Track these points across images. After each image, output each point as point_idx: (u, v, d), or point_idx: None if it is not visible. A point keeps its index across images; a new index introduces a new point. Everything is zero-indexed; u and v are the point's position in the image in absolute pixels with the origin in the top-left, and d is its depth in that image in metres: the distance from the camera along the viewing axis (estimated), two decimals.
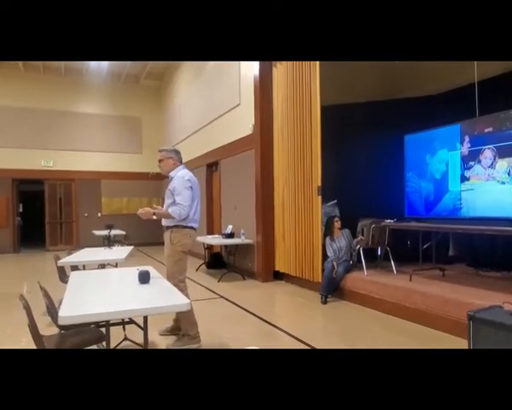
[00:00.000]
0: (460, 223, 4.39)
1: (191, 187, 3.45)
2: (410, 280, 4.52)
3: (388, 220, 5.00)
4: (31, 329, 2.23)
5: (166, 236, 3.51)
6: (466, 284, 4.37)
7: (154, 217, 3.38)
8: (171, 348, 3.41)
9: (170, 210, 3.41)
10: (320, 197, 5.30)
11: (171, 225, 3.47)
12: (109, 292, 2.57)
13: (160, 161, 3.56)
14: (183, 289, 3.40)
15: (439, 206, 4.86)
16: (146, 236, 11.72)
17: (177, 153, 3.59)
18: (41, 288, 2.61)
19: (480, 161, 4.38)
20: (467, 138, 4.54)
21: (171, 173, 3.54)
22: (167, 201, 3.50)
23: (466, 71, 4.92)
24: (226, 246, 7.14)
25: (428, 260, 4.99)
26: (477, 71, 4.68)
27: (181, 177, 3.46)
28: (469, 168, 4.49)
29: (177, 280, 3.42)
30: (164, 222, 3.53)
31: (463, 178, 4.56)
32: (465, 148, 4.56)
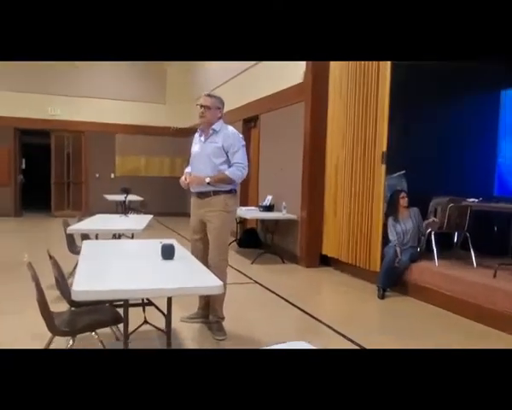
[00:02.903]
0: None
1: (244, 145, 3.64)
2: (495, 276, 4.42)
3: (471, 199, 4.89)
4: (40, 303, 2.36)
5: (217, 201, 3.56)
6: None
7: (208, 179, 3.50)
8: (217, 339, 3.58)
9: (228, 172, 3.53)
10: (384, 166, 5.24)
11: (225, 189, 3.58)
12: (128, 267, 2.68)
13: (206, 107, 3.57)
14: (226, 269, 3.65)
15: None
16: (166, 204, 11.91)
17: (224, 104, 3.73)
18: (50, 257, 2.73)
19: None
20: None
21: (215, 127, 3.61)
22: (216, 160, 3.55)
23: None
24: (263, 221, 7.18)
25: None
26: None
27: (235, 132, 3.63)
28: None
29: (226, 256, 3.66)
30: (209, 186, 3.55)
31: None
32: None
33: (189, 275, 2.57)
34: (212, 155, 3.56)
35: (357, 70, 5.68)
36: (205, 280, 2.43)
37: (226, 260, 3.71)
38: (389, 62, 5.10)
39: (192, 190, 3.68)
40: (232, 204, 3.66)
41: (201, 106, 3.58)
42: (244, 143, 3.68)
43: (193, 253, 3.55)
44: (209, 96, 3.63)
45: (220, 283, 2.35)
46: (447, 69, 5.69)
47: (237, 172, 3.55)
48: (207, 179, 3.50)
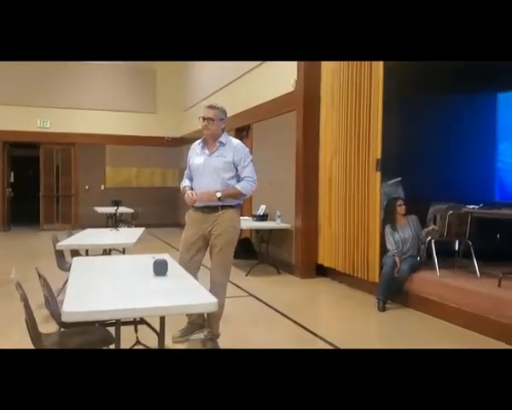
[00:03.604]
0: None
1: None
2: (500, 286, 4.34)
3: (471, 206, 4.84)
4: (28, 324, 2.30)
5: (225, 217, 3.45)
6: None
7: (219, 194, 3.36)
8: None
9: (239, 186, 3.44)
10: (379, 173, 5.20)
11: (233, 204, 3.49)
12: (119, 285, 2.66)
13: (209, 119, 3.42)
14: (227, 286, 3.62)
15: None
16: (157, 215, 11.81)
17: (226, 114, 3.60)
18: (40, 276, 2.68)
19: None
20: None
21: (222, 139, 3.49)
22: (225, 174, 3.44)
23: None
24: (257, 231, 7.12)
25: None
26: None
27: (243, 146, 3.58)
28: None
29: (229, 273, 3.58)
30: (218, 201, 3.42)
31: None
32: None
33: (182, 292, 2.53)
34: (221, 170, 3.44)
35: (349, 77, 5.65)
36: (199, 297, 2.38)
37: (228, 277, 3.61)
38: (381, 68, 5.07)
39: (197, 204, 3.49)
40: (238, 219, 3.58)
41: (204, 118, 3.43)
42: (251, 156, 3.60)
43: (189, 269, 3.32)
44: (211, 107, 3.47)
45: (215, 300, 2.28)
46: (442, 73, 5.68)
47: (248, 186, 3.48)
48: (219, 194, 3.37)
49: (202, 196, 3.38)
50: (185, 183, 3.66)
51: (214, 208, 3.42)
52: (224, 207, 3.43)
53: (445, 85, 5.69)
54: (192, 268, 3.45)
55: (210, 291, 3.36)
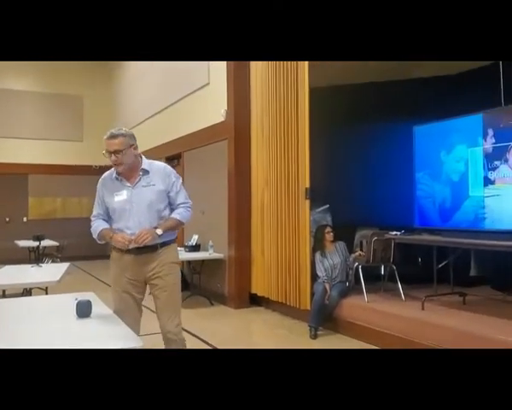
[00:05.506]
0: (483, 237, 4.36)
1: None
2: (423, 309, 4.49)
3: (394, 232, 4.96)
4: None
5: (167, 254, 2.96)
6: (492, 313, 4.34)
7: (160, 232, 2.83)
8: None
9: (178, 216, 2.95)
10: (308, 202, 5.28)
11: (172, 237, 3.02)
12: (38, 331, 2.49)
13: (116, 152, 2.84)
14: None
15: (457, 215, 4.88)
16: (85, 247, 11.22)
17: (135, 137, 3.03)
18: None
19: (507, 161, 4.39)
20: (490, 132, 4.56)
21: (145, 166, 2.96)
22: (160, 205, 2.94)
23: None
24: (190, 262, 7.01)
25: (445, 282, 4.98)
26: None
27: (169, 168, 3.05)
28: (494, 169, 4.49)
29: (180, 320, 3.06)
30: (160, 237, 2.89)
31: (487, 181, 4.56)
32: (489, 143, 4.57)
33: (107, 335, 2.39)
34: (155, 201, 2.90)
35: (277, 107, 5.76)
36: (125, 341, 2.24)
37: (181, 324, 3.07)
38: (307, 101, 5.21)
39: (131, 246, 2.85)
40: (178, 253, 3.12)
41: (111, 153, 2.85)
42: (181, 179, 3.14)
43: (130, 317, 2.85)
44: (114, 137, 2.87)
45: (141, 343, 2.18)
46: (365, 106, 5.95)
47: (187, 213, 2.99)
48: (159, 232, 2.82)
49: (143, 237, 2.75)
50: (102, 225, 2.99)
51: (153, 248, 2.88)
52: (163, 244, 2.92)
53: (367, 118, 5.94)
54: (134, 315, 2.99)
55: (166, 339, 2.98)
